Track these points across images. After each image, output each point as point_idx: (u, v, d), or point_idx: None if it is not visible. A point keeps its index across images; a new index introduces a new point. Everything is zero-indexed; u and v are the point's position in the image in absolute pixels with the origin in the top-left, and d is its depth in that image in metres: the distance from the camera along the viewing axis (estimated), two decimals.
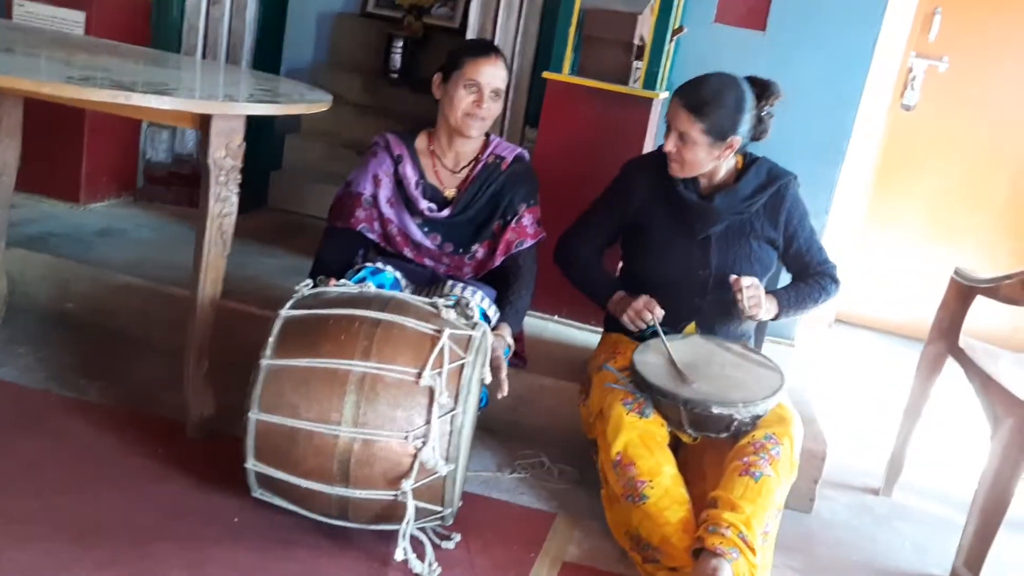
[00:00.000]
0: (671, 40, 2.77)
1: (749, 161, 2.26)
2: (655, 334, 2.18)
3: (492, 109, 2.17)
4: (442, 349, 1.76)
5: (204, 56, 3.45)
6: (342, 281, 1.97)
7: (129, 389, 2.36)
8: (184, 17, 3.41)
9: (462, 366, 1.76)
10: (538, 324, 2.86)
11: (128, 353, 2.55)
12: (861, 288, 4.22)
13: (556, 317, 2.94)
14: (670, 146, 2.16)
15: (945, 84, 3.98)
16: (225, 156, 2.02)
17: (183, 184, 3.53)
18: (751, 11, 2.96)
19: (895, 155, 4.07)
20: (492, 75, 2.15)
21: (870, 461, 2.73)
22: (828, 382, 3.42)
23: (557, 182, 2.78)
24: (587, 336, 2.82)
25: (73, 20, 3.10)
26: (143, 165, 3.56)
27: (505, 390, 2.04)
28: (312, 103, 2.13)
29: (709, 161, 2.17)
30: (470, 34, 3.19)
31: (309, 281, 1.94)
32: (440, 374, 1.73)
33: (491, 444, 2.40)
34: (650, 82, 2.72)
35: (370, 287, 1.95)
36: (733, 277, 2.15)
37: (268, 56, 3.58)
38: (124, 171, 3.49)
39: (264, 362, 1.76)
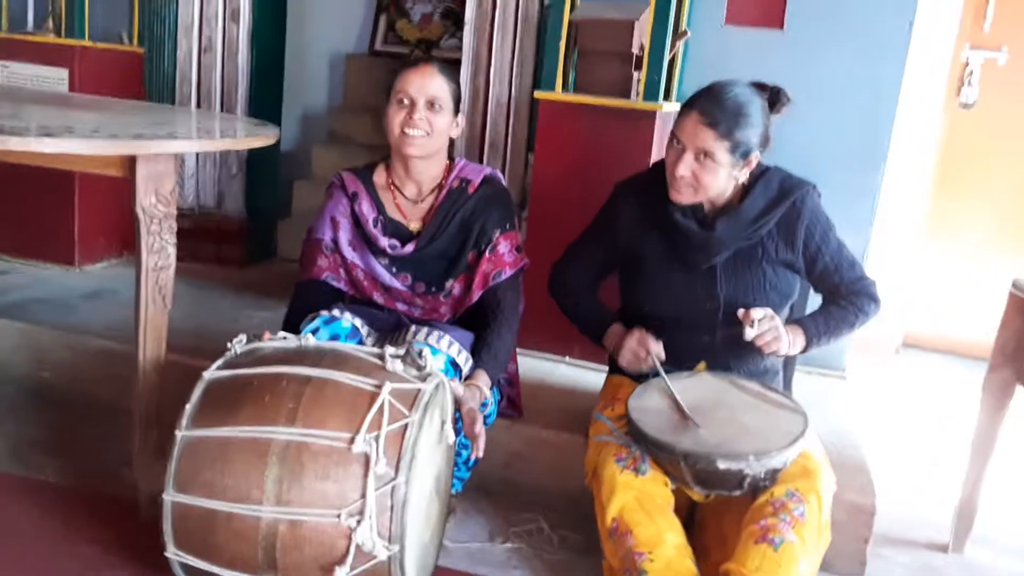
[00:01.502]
0: (673, 46, 2.50)
1: (757, 174, 1.93)
2: (658, 373, 1.89)
3: (435, 122, 1.93)
4: (381, 407, 1.50)
5: (199, 107, 3.33)
6: (281, 334, 1.73)
7: (91, 465, 2.16)
8: (176, 68, 3.31)
9: (405, 427, 1.50)
10: (544, 367, 2.58)
11: (101, 424, 2.36)
12: (930, 307, 3.80)
13: (567, 359, 2.65)
14: (684, 170, 1.83)
15: (1006, 77, 3.58)
16: (156, 203, 1.84)
17: (184, 238, 3.37)
18: (766, 8, 2.68)
19: (957, 157, 3.67)
20: (422, 84, 1.92)
21: (937, 511, 2.34)
22: (891, 418, 3.02)
23: (557, 208, 2.55)
24: (601, 380, 2.52)
25: (57, 78, 3.02)
26: None
27: (480, 449, 1.77)
28: (244, 138, 1.92)
29: (728, 183, 1.87)
30: (464, 60, 2.99)
31: (243, 337, 1.72)
32: (378, 438, 1.48)
33: (484, 507, 2.12)
34: (651, 93, 2.45)
35: (310, 340, 1.71)
36: (742, 311, 1.84)
37: (266, 102, 3.44)
38: (123, 229, 3.37)
39: (179, 433, 1.54)
